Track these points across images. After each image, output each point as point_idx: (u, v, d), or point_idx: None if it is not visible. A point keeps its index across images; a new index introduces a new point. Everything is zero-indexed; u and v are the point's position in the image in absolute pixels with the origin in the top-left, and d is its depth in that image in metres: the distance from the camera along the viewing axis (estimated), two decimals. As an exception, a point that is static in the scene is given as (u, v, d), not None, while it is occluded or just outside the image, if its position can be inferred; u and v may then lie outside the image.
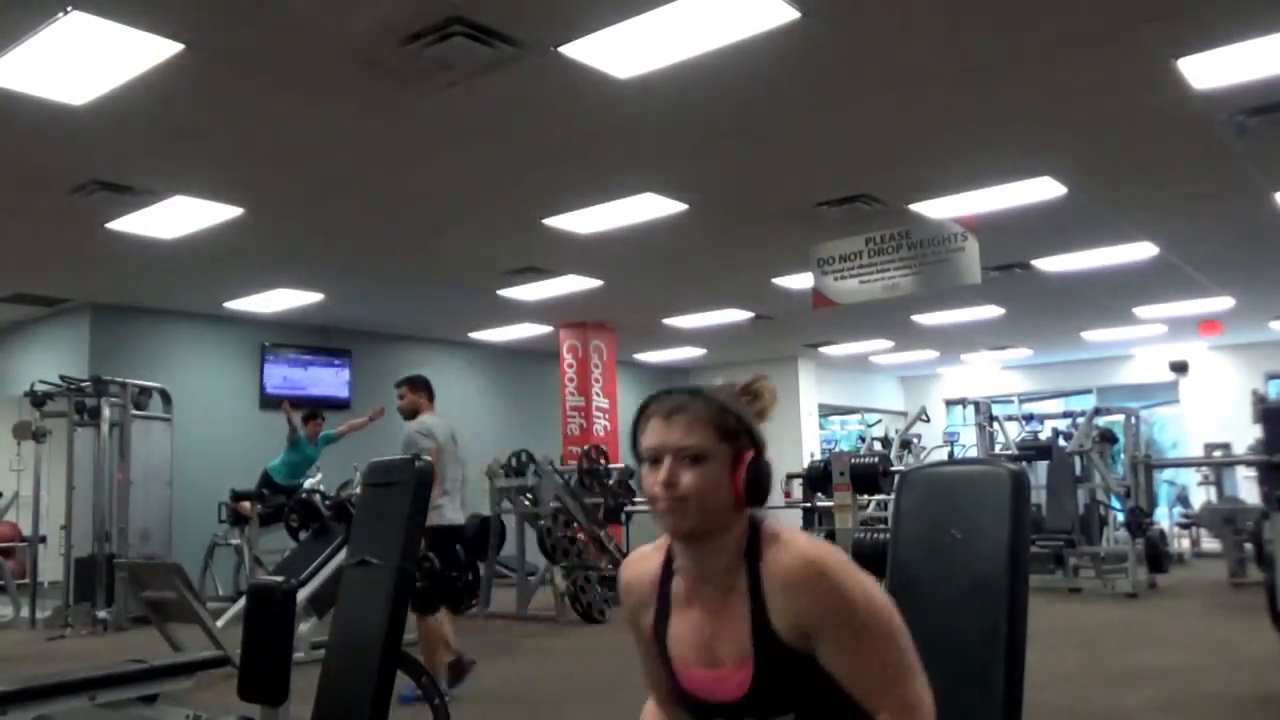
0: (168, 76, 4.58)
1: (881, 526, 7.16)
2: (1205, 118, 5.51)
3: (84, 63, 4.45)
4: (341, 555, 6.00)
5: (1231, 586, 9.24)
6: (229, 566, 9.65)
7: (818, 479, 8.92)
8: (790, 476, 13.47)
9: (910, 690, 1.36)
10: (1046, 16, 4.33)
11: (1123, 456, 10.64)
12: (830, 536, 7.12)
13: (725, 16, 4.18)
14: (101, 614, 7.89)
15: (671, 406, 1.44)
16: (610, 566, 8.97)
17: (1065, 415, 11.98)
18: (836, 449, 14.32)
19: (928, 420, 11.88)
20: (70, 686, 3.74)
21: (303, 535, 7.41)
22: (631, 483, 9.53)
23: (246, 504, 8.97)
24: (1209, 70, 4.85)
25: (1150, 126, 5.68)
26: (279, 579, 3.39)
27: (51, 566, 8.71)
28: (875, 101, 5.23)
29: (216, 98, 4.96)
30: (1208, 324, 12.20)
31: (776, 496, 13.89)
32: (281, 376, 11.00)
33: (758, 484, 1.43)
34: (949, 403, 13.83)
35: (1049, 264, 8.98)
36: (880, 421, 15.06)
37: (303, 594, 6.12)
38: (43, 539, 8.64)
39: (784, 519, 13.62)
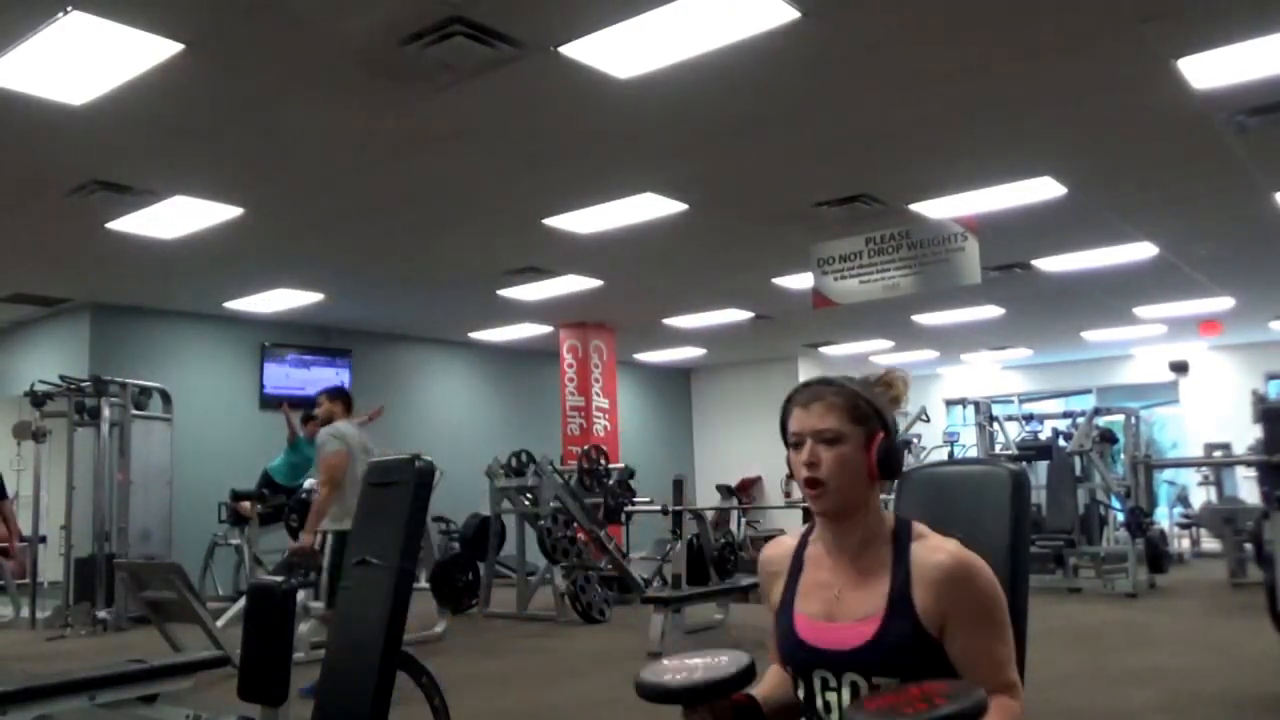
0: (168, 76, 4.58)
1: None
2: (1205, 118, 5.51)
3: (84, 63, 4.45)
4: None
5: (1231, 586, 9.24)
6: (229, 566, 9.65)
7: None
8: (790, 476, 13.48)
9: (1013, 674, 1.57)
10: (1047, 16, 4.33)
11: (1123, 456, 10.64)
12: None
13: (725, 16, 4.18)
14: (101, 614, 7.89)
15: (810, 395, 1.63)
16: (610, 566, 8.98)
17: (1065, 415, 11.98)
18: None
19: (927, 420, 11.88)
20: (70, 686, 3.75)
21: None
22: (631, 483, 9.55)
23: (246, 504, 8.98)
24: (1209, 70, 4.85)
25: (1150, 126, 5.68)
26: (279, 579, 3.39)
27: (51, 566, 8.72)
28: (875, 101, 5.23)
29: (216, 98, 4.96)
30: (1208, 324, 12.20)
31: (776, 496, 13.93)
32: (284, 375, 11.00)
33: (889, 461, 1.60)
34: (949, 403, 13.83)
35: (1049, 264, 8.98)
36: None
37: (303, 594, 6.12)
38: (43, 539, 8.64)
39: (784, 519, 13.67)
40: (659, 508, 8.78)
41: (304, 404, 10.12)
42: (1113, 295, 10.49)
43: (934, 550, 1.57)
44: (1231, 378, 14.12)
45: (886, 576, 1.58)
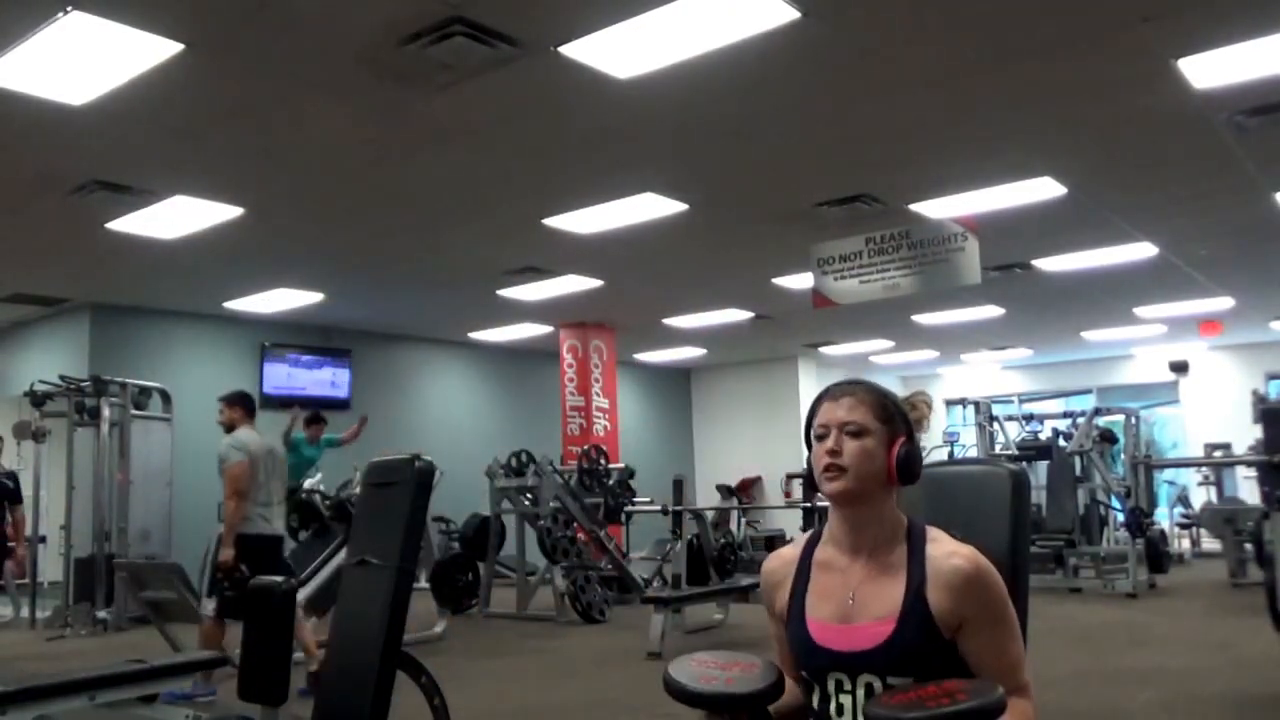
0: (168, 76, 4.58)
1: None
2: (1205, 118, 5.51)
3: (84, 63, 4.45)
4: (341, 555, 6.00)
5: (1231, 586, 9.24)
6: (229, 566, 9.63)
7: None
8: (790, 476, 13.49)
9: (1026, 676, 1.61)
10: (1046, 16, 4.33)
11: (1123, 456, 10.63)
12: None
13: (725, 16, 4.18)
14: (101, 614, 7.89)
15: (840, 391, 1.70)
16: (610, 566, 8.98)
17: (1065, 415, 11.97)
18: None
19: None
20: (70, 686, 3.75)
21: (303, 535, 7.41)
22: (631, 483, 9.55)
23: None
24: (1209, 70, 4.85)
25: (1150, 126, 5.68)
26: (279, 579, 3.39)
27: (51, 566, 8.72)
28: (875, 101, 5.23)
29: (216, 98, 4.96)
30: (1208, 324, 12.20)
31: (776, 496, 13.93)
32: (284, 375, 11.00)
33: (909, 463, 1.64)
34: (949, 403, 13.83)
35: (1049, 264, 8.98)
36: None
37: (303, 594, 6.11)
38: (43, 539, 8.64)
39: (784, 519, 13.66)
40: (659, 508, 8.78)
41: (304, 404, 10.13)
42: (1113, 295, 10.49)
43: (950, 554, 1.60)
44: (1231, 378, 14.12)
45: (901, 577, 1.60)
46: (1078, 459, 9.95)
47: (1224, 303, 11.06)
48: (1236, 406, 12.18)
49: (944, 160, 6.21)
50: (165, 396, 9.04)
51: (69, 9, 3.97)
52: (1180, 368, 14.10)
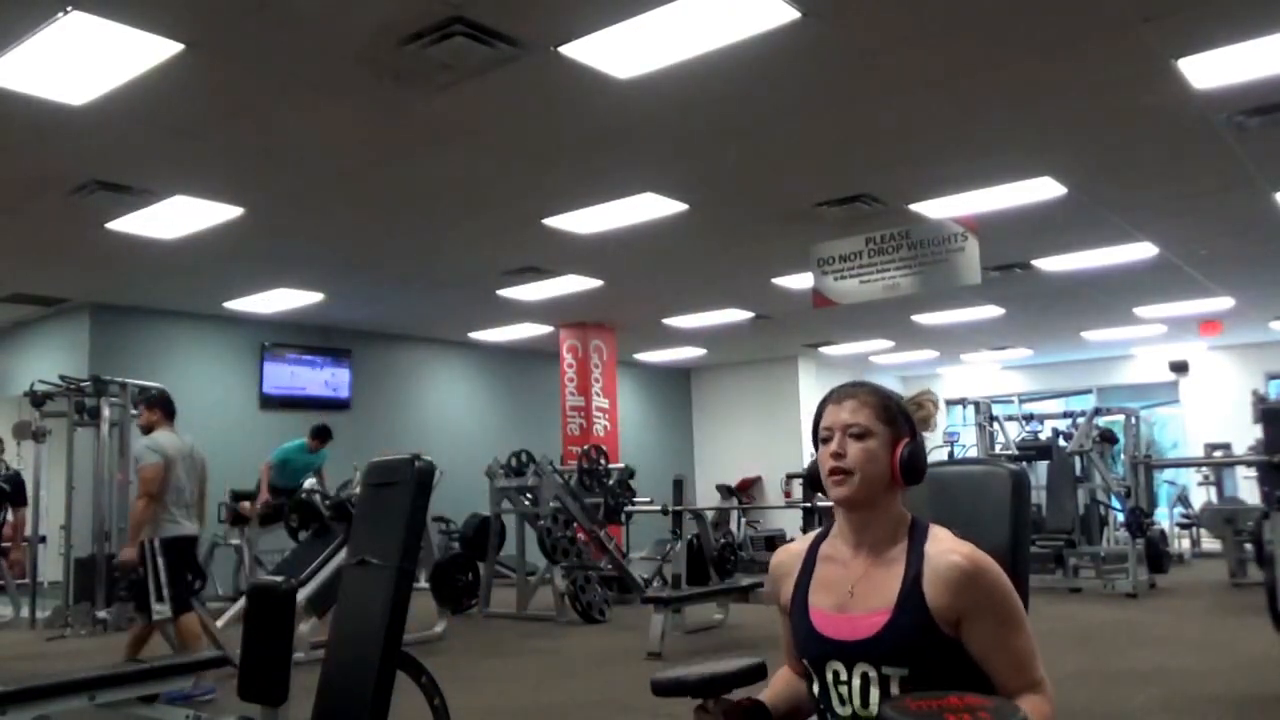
0: (168, 76, 4.58)
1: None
2: (1205, 118, 5.51)
3: (84, 63, 4.45)
4: (341, 555, 6.00)
5: (1231, 586, 9.24)
6: (229, 566, 9.65)
7: (818, 479, 8.93)
8: (790, 476, 13.49)
9: (1037, 672, 1.61)
10: (1047, 16, 4.33)
11: (1123, 456, 10.63)
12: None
13: (725, 16, 4.18)
14: (101, 614, 7.88)
15: (843, 394, 1.72)
16: (610, 566, 8.98)
17: (1065, 415, 11.97)
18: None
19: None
20: (70, 686, 3.75)
21: (303, 535, 7.41)
22: (631, 483, 9.55)
23: (246, 504, 8.98)
24: (1209, 70, 4.85)
25: (1150, 126, 5.68)
26: (279, 579, 3.39)
27: (51, 566, 8.71)
28: (875, 101, 5.23)
29: (216, 98, 4.96)
30: (1208, 324, 12.20)
31: (776, 496, 13.93)
32: (285, 375, 11.00)
33: (912, 463, 1.66)
34: (949, 403, 13.83)
35: (1049, 264, 8.98)
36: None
37: (303, 594, 6.12)
38: (43, 539, 8.64)
39: (784, 519, 13.66)
40: (659, 508, 8.78)
41: (304, 403, 10.18)
42: (1113, 295, 10.49)
43: (948, 551, 1.61)
44: (1231, 378, 14.12)
45: (900, 571, 1.62)
46: (1078, 459, 9.95)
47: (1224, 303, 11.06)
48: (1236, 406, 12.19)
49: (944, 160, 6.21)
50: (165, 396, 9.02)
51: (69, 9, 3.97)
52: (1180, 368, 14.11)
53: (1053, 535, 9.57)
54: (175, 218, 6.88)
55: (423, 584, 6.75)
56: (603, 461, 9.41)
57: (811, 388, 15.44)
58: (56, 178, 6.09)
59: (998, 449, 10.86)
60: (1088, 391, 15.15)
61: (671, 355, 14.72)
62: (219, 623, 6.04)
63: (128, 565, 5.39)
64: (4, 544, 9.04)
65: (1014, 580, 1.68)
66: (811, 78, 4.91)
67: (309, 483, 9.18)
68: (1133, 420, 10.60)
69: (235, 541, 9.44)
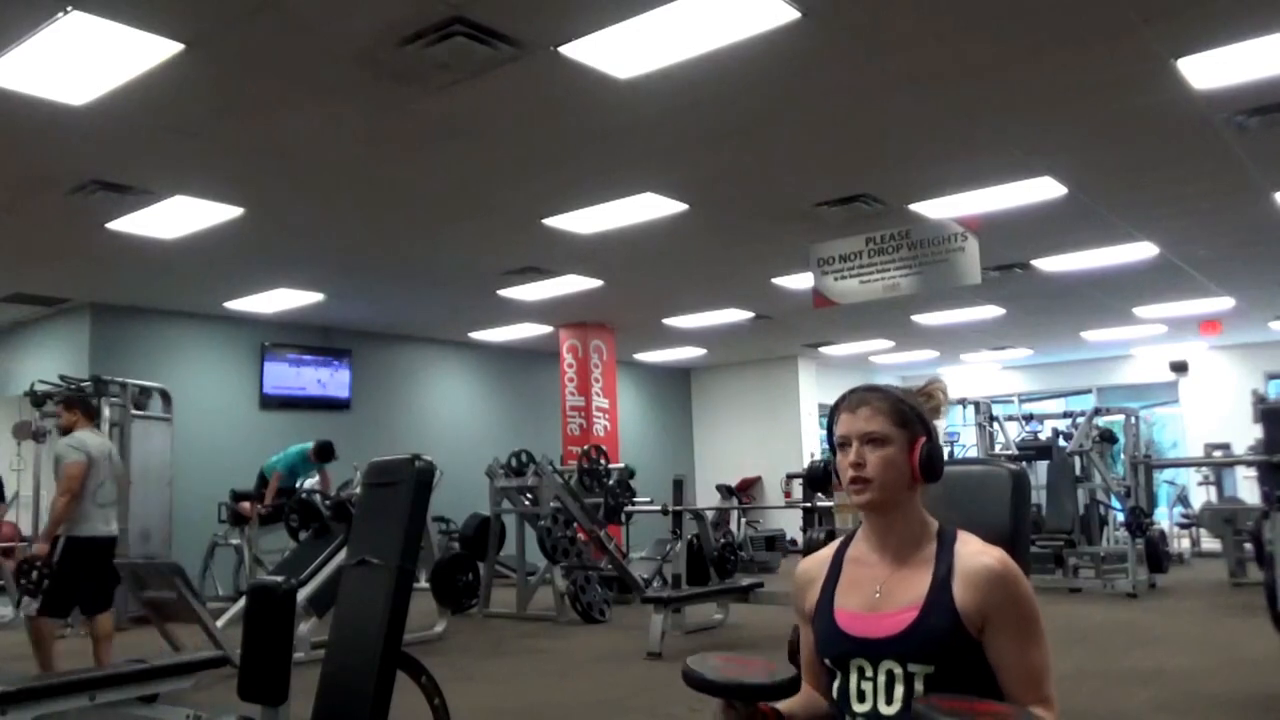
0: (168, 76, 4.58)
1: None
2: (1205, 118, 5.51)
3: (84, 63, 4.45)
4: (341, 555, 6.00)
5: (1231, 586, 9.24)
6: (229, 566, 9.66)
7: (818, 479, 8.92)
8: (790, 476, 13.49)
9: (1050, 689, 1.62)
10: (1046, 16, 4.33)
11: (1123, 456, 10.64)
12: (830, 536, 7.12)
13: (725, 16, 4.18)
14: (101, 614, 7.87)
15: (857, 400, 1.72)
16: (610, 566, 8.98)
17: (1065, 415, 11.98)
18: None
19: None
20: (70, 686, 3.76)
21: (303, 535, 7.41)
22: (631, 483, 9.55)
23: (246, 504, 8.98)
24: (1209, 70, 4.85)
25: (1150, 126, 5.68)
26: (279, 579, 3.39)
27: (51, 566, 8.69)
28: (875, 101, 5.23)
29: (216, 98, 4.96)
30: (1208, 324, 12.20)
31: (776, 496, 13.93)
32: (286, 374, 11.00)
33: (931, 463, 1.68)
34: (950, 403, 13.84)
35: (1049, 264, 8.98)
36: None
37: (303, 594, 6.12)
38: (43, 539, 8.62)
39: (784, 519, 13.65)
40: (659, 508, 8.78)
41: (304, 404, 10.17)
42: (1113, 295, 10.49)
43: (980, 553, 1.63)
44: (1231, 378, 14.12)
45: (929, 571, 1.64)
46: (1078, 459, 9.96)
47: (1224, 303, 11.05)
48: (1236, 406, 12.19)
49: (944, 160, 6.21)
50: (165, 396, 9.04)
51: (69, 9, 3.97)
52: (1180, 367, 14.11)
53: (1053, 535, 9.58)
54: (175, 218, 6.88)
55: (423, 584, 6.75)
56: (603, 461, 9.41)
57: (811, 388, 15.44)
58: (56, 178, 6.09)
59: (998, 449, 10.87)
60: (1087, 391, 15.16)
61: (671, 355, 14.72)
62: (219, 623, 6.04)
63: (34, 560, 5.43)
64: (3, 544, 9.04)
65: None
66: (811, 78, 4.90)
67: (310, 483, 9.21)
68: (1132, 420, 10.60)
69: (235, 541, 9.44)
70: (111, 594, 5.80)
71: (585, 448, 9.77)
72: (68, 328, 10.02)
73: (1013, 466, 1.93)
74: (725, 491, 13.49)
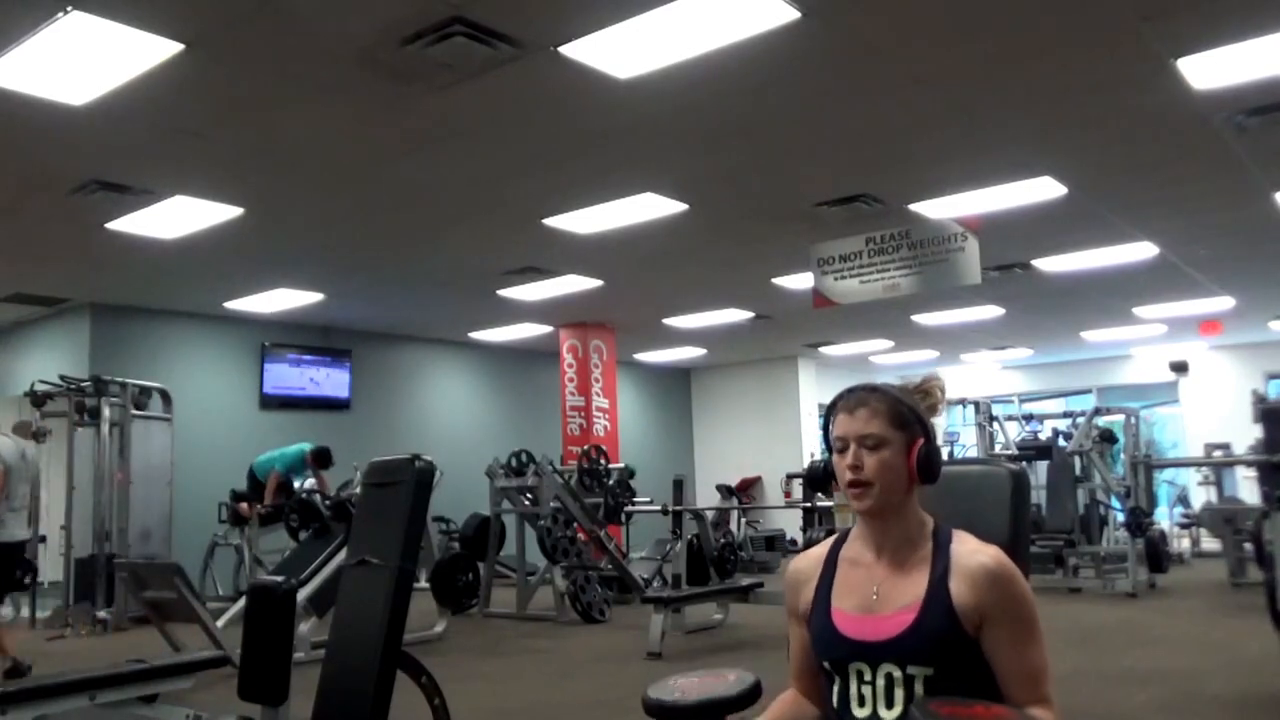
0: (168, 76, 4.58)
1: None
2: (1205, 118, 5.51)
3: (84, 63, 4.45)
4: (341, 555, 6.00)
5: (1231, 586, 9.24)
6: (229, 566, 9.66)
7: (818, 479, 8.92)
8: (790, 476, 13.50)
9: (1049, 690, 1.61)
10: (1046, 16, 4.33)
11: (1123, 456, 10.64)
12: (830, 536, 7.12)
13: (725, 16, 4.18)
14: (101, 614, 7.89)
15: (854, 402, 1.69)
16: (610, 566, 8.98)
17: (1065, 415, 11.98)
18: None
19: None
20: (70, 686, 3.76)
21: (303, 535, 7.41)
22: (631, 483, 9.55)
23: (246, 504, 8.98)
24: (1209, 70, 4.85)
25: (1150, 126, 5.68)
26: (279, 579, 3.39)
27: (51, 566, 8.71)
28: (875, 101, 5.23)
29: (216, 98, 4.96)
30: (1208, 324, 12.20)
31: (776, 496, 13.93)
32: (286, 374, 11.00)
33: (928, 465, 1.67)
34: (949, 403, 13.86)
35: (1049, 264, 8.98)
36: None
37: (303, 594, 6.12)
38: (43, 539, 8.63)
39: (784, 519, 13.65)
40: (659, 508, 8.78)
41: (304, 404, 10.14)
42: (1113, 295, 10.49)
43: (976, 551, 1.63)
44: (1231, 378, 14.12)
45: (926, 570, 1.63)
46: (1078, 459, 9.96)
47: (1224, 303, 11.06)
48: (1236, 406, 12.19)
49: (944, 160, 6.21)
50: (165, 396, 9.04)
51: (69, 9, 3.97)
52: (1180, 368, 14.10)
53: (1053, 535, 9.57)
54: (175, 218, 6.88)
55: (423, 584, 6.76)
56: (603, 461, 9.42)
57: (811, 388, 15.44)
58: (56, 178, 6.09)
59: (998, 449, 10.87)
60: (1088, 391, 15.16)
61: (671, 355, 14.72)
62: (219, 623, 6.05)
63: None
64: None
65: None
66: (811, 78, 4.90)
67: (309, 483, 9.21)
68: (1132, 420, 10.60)
69: (235, 541, 9.44)
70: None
71: (585, 448, 9.77)
72: (68, 328, 10.02)
73: (1013, 466, 1.92)
74: (725, 491, 13.49)
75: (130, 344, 9.85)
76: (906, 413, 1.68)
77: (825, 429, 1.75)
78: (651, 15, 4.14)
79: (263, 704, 3.08)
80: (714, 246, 8.21)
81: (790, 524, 12.96)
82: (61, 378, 8.44)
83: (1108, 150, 6.10)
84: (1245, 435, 9.97)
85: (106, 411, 8.39)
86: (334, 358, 11.49)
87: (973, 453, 11.31)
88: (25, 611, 8.29)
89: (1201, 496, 12.61)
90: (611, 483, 9.31)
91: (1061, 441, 10.66)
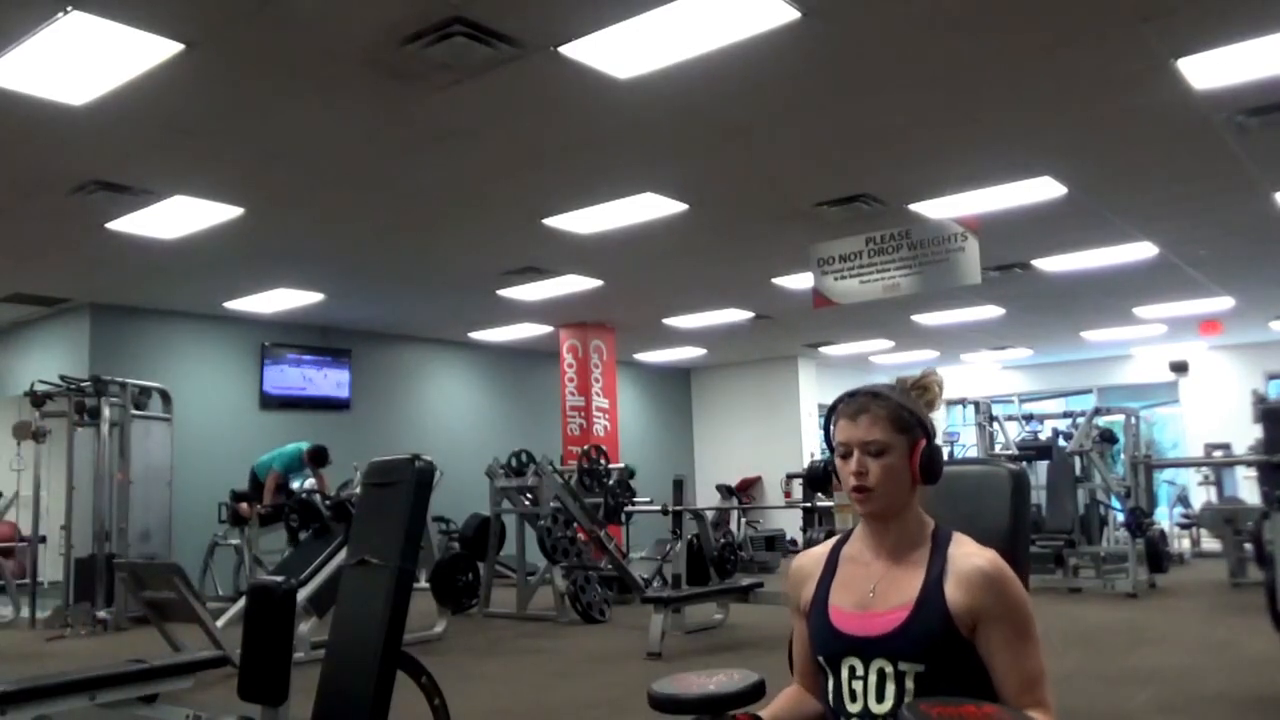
0: (168, 76, 4.58)
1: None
2: (1205, 118, 5.51)
3: (84, 63, 4.45)
4: (341, 555, 6.00)
5: (1231, 586, 9.24)
6: (229, 566, 9.66)
7: (818, 479, 8.94)
8: (790, 476, 13.49)
9: (1046, 692, 1.62)
10: (1046, 16, 4.33)
11: (1123, 456, 10.63)
12: (829, 536, 7.12)
13: (725, 16, 4.18)
14: (101, 614, 7.89)
15: (856, 408, 1.71)
16: (610, 566, 8.98)
17: (1065, 415, 11.97)
18: (836, 449, 14.30)
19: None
20: (70, 686, 3.75)
21: (303, 535, 7.41)
22: (631, 483, 9.55)
23: (246, 505, 8.99)
24: (1209, 70, 4.85)
25: (1150, 126, 5.68)
26: (279, 579, 3.39)
27: (51, 566, 8.71)
28: (875, 101, 5.23)
29: (216, 98, 4.96)
30: (1208, 324, 12.20)
31: (776, 496, 13.93)
32: (285, 374, 11.00)
33: (931, 466, 1.69)
34: (949, 403, 13.84)
35: (1049, 264, 8.98)
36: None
37: (303, 594, 6.12)
38: (43, 539, 8.64)
39: (784, 519, 13.65)
40: (659, 508, 8.78)
41: (304, 404, 10.13)
42: (1113, 295, 10.49)
43: (972, 554, 1.64)
44: (1231, 378, 14.12)
45: (922, 570, 1.65)
46: (1078, 459, 9.95)
47: (1224, 303, 11.06)
48: (1236, 406, 12.19)
49: (944, 160, 6.21)
50: (165, 396, 9.04)
51: (69, 9, 3.97)
52: (1180, 368, 14.10)
53: (1053, 535, 9.57)
54: (175, 218, 6.88)
55: (423, 584, 6.77)
56: (603, 461, 9.41)
57: (811, 388, 15.44)
58: (56, 178, 6.09)
59: (998, 449, 10.86)
60: (1088, 391, 15.16)
61: (671, 355, 14.72)
62: (219, 623, 6.04)
63: None
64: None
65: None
66: (812, 78, 4.90)
67: (309, 483, 9.21)
68: (1133, 420, 10.60)
69: (235, 542, 9.44)
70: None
71: (585, 448, 9.77)
72: (68, 328, 10.02)
73: (1013, 466, 1.92)
74: (725, 491, 13.49)
75: (130, 344, 9.85)
76: (908, 416, 1.70)
77: (826, 432, 1.77)
78: (651, 15, 4.14)
79: (263, 704, 3.08)
80: (714, 246, 8.21)
81: (790, 524, 12.96)
82: (61, 378, 8.43)
83: (1108, 150, 6.10)
84: (1245, 435, 9.97)
85: (106, 411, 8.38)
86: (334, 358, 11.49)
87: (973, 453, 11.31)
88: (25, 611, 8.30)
89: (1201, 496, 12.61)
90: (611, 483, 9.31)
91: (1061, 441, 10.66)
